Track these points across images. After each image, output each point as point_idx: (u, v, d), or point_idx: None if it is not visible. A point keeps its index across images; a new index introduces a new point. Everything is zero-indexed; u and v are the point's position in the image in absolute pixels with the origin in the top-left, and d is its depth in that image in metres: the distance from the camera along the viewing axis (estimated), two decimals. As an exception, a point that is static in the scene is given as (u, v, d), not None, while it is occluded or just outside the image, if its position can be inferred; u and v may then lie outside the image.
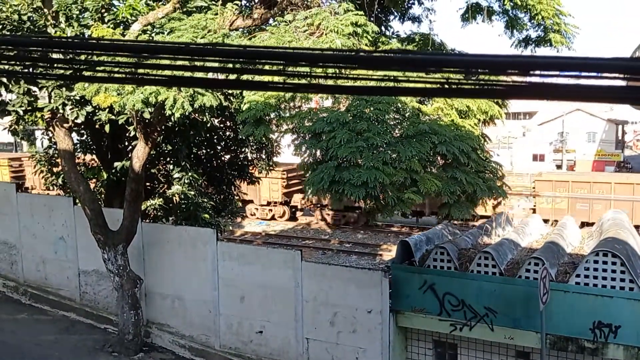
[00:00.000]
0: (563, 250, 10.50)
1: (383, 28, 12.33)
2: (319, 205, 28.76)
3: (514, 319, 9.34)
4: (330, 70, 2.54)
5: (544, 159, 56.94)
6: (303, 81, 2.48)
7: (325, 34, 8.70)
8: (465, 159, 9.04)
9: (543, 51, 10.64)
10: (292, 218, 30.67)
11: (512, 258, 10.18)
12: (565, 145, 53.91)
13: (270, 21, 10.75)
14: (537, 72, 2.32)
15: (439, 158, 9.29)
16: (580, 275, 9.03)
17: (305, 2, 10.27)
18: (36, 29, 10.23)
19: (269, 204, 30.08)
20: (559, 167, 53.35)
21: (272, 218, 30.24)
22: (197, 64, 2.43)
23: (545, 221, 17.62)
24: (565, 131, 53.97)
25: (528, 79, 2.43)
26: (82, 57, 2.65)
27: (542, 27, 10.01)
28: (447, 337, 10.21)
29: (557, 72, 2.28)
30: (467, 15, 10.56)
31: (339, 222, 28.46)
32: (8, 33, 9.91)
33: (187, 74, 2.69)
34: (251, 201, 29.80)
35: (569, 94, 2.48)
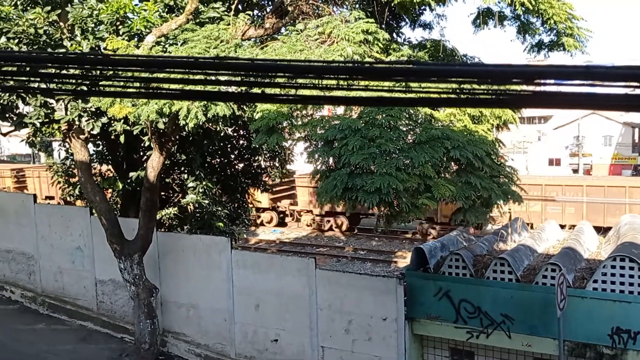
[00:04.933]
0: (580, 255, 10.39)
1: (394, 35, 12.33)
2: (306, 210, 29.46)
3: (531, 325, 9.25)
4: (341, 82, 2.56)
5: (560, 164, 56.49)
6: (314, 93, 2.51)
7: (337, 42, 8.73)
8: (479, 163, 8.98)
9: (556, 55, 10.58)
10: (282, 224, 31.08)
11: (528, 264, 10.09)
12: (581, 149, 53.44)
13: (282, 30, 10.82)
14: (549, 80, 2.32)
15: (452, 163, 9.25)
16: (597, 280, 8.92)
17: (317, 11, 10.33)
18: (52, 42, 10.39)
19: (257, 210, 30.32)
20: (575, 171, 52.89)
21: (261, 224, 30.51)
22: (210, 77, 2.47)
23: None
24: (581, 135, 53.52)
25: (540, 88, 2.43)
26: (96, 72, 2.71)
27: (554, 31, 9.95)
28: (464, 344, 10.12)
29: (569, 82, 2.29)
30: (478, 21, 10.53)
31: (324, 226, 28.96)
32: (24, 47, 10.08)
33: (199, 87, 2.73)
34: None
35: (582, 102, 2.48)
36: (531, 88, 2.36)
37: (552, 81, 2.29)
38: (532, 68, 2.20)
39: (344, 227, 28.66)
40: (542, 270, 9.27)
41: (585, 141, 54.21)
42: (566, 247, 10.52)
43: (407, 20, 12.45)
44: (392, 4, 9.57)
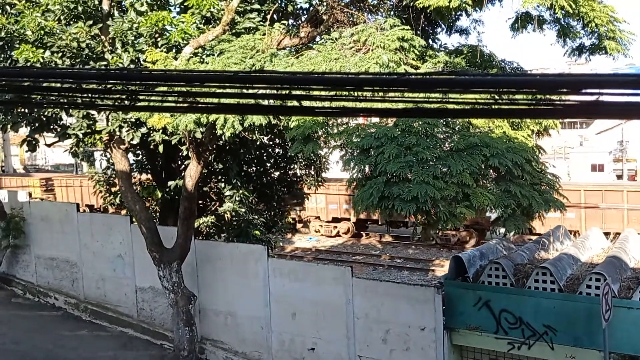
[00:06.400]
0: (626, 264, 10.04)
1: (430, 41, 12.22)
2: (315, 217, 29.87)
3: (575, 337, 8.98)
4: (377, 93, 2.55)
5: (603, 169, 54.86)
6: (350, 105, 2.49)
7: (372, 50, 8.70)
8: (519, 171, 8.80)
9: (598, 59, 10.29)
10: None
11: (571, 273, 9.81)
12: (625, 154, 51.82)
13: (317, 39, 10.86)
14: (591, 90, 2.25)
15: (491, 171, 9.08)
16: (645, 291, 8.61)
17: (351, 19, 10.33)
18: (94, 55, 10.68)
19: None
20: (619, 177, 51.30)
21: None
22: (248, 91, 2.48)
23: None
24: (624, 140, 51.92)
25: (581, 97, 2.35)
26: (135, 87, 2.76)
27: (596, 34, 9.69)
28: (505, 356, 9.89)
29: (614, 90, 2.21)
30: (516, 25, 10.34)
31: (331, 232, 29.21)
32: (68, 60, 10.39)
33: (233, 100, 2.75)
34: None
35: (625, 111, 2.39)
36: (589, 98, 2.28)
37: (606, 90, 2.22)
38: (590, 77, 2.12)
39: (349, 233, 28.99)
40: (586, 279, 9.00)
41: (630, 146, 52.54)
42: (611, 256, 10.19)
43: (443, 26, 12.33)
44: (428, 10, 9.49)
